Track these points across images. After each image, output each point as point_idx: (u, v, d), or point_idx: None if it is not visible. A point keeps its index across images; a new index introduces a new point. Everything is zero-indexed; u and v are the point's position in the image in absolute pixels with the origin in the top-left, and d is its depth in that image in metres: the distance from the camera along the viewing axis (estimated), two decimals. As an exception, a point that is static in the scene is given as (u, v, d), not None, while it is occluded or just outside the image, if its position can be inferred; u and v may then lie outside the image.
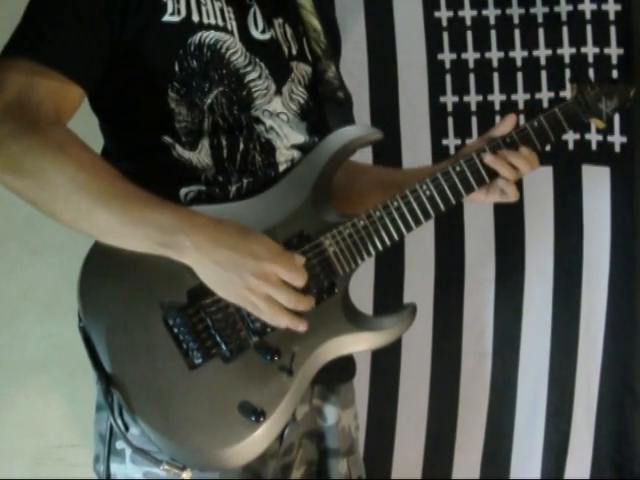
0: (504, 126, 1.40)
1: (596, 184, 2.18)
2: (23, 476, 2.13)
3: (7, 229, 2.08)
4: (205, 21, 1.29)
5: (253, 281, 1.16)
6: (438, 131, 2.21)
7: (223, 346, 1.20)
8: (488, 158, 1.36)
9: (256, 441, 1.20)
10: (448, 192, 1.34)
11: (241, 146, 1.29)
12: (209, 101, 1.27)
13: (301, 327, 1.20)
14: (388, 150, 2.16)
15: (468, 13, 2.18)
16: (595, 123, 1.48)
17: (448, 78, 2.20)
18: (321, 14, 1.50)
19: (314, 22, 1.46)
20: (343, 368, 1.38)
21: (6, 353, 2.12)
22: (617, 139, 2.14)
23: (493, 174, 1.37)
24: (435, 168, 1.38)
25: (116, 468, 1.27)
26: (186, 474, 1.18)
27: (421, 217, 1.32)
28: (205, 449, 1.19)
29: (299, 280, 1.19)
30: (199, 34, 1.27)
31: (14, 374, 2.12)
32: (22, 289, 2.11)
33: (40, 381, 2.14)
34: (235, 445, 1.19)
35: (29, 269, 2.11)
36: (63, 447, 2.15)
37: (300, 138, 1.36)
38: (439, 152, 2.19)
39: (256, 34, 1.35)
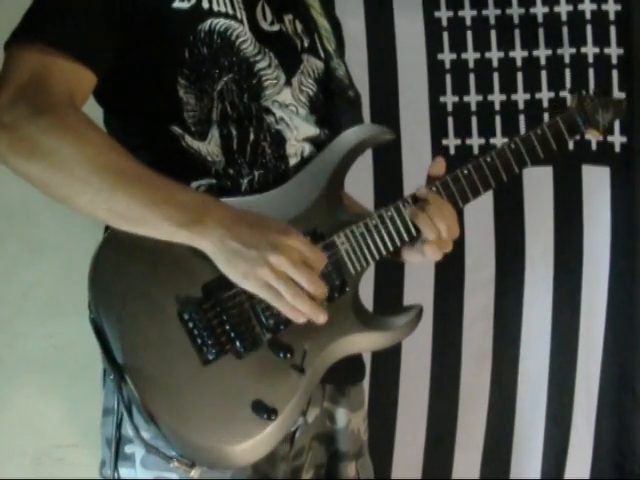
0: (434, 169, 1.36)
1: (596, 184, 2.18)
2: (23, 476, 2.12)
3: (7, 228, 2.07)
4: (215, 8, 1.28)
5: (273, 258, 1.13)
6: (438, 131, 2.22)
7: (237, 342, 1.18)
8: (410, 211, 1.31)
9: (266, 439, 1.19)
10: (455, 193, 1.34)
11: (251, 136, 1.29)
12: (219, 88, 1.27)
13: (322, 317, 1.17)
14: (388, 150, 2.16)
15: (468, 13, 2.19)
16: (592, 134, 1.50)
17: (448, 78, 2.21)
18: (328, 15, 1.50)
19: (324, 22, 1.46)
20: (353, 370, 1.37)
21: (6, 353, 2.11)
22: (617, 139, 2.15)
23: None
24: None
25: (125, 473, 1.24)
26: (195, 472, 1.15)
27: None
28: (215, 445, 1.17)
29: (320, 261, 1.17)
30: (209, 21, 1.27)
31: (14, 374, 2.12)
32: (22, 289, 2.10)
33: (40, 381, 2.14)
34: (245, 442, 1.17)
35: (29, 268, 2.10)
36: (63, 447, 2.15)
37: (310, 130, 1.35)
38: (439, 152, 2.19)
39: (265, 26, 1.34)
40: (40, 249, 2.09)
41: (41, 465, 2.15)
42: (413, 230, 1.31)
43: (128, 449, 1.23)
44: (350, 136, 1.31)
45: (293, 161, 1.32)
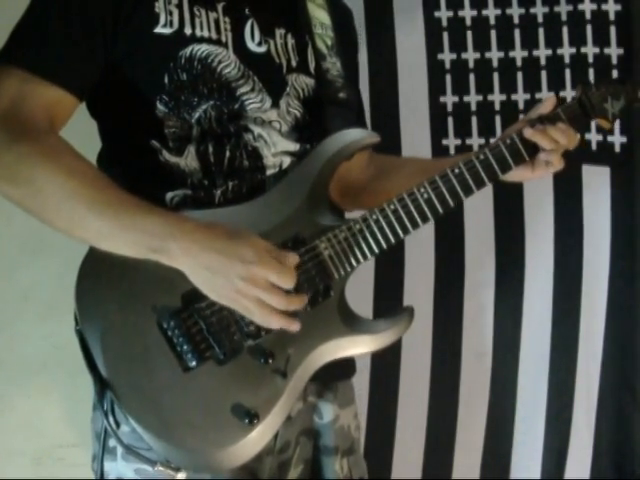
0: (544, 107, 1.39)
1: (596, 184, 2.18)
2: (23, 476, 2.13)
3: (7, 230, 2.08)
4: (198, 34, 1.28)
5: (241, 284, 1.15)
6: (438, 131, 2.22)
7: (217, 349, 1.20)
8: (528, 132, 1.34)
9: (250, 443, 1.20)
10: (446, 194, 1.32)
11: (227, 154, 1.29)
12: (197, 115, 1.27)
13: (293, 327, 1.19)
14: (388, 150, 2.15)
15: (468, 13, 2.19)
16: (601, 123, 1.46)
17: (448, 78, 2.21)
18: (333, 6, 1.48)
19: (322, 16, 1.45)
20: (340, 366, 1.36)
21: (6, 353, 2.12)
22: (617, 139, 2.15)
23: (533, 149, 1.35)
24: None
25: (109, 466, 1.27)
26: (180, 475, 1.18)
27: (418, 220, 1.30)
28: (199, 451, 1.19)
29: (288, 282, 1.17)
30: (190, 47, 1.27)
31: (14, 374, 2.12)
32: (22, 289, 2.11)
33: (40, 381, 2.14)
34: (229, 447, 1.19)
35: (29, 269, 2.11)
36: (63, 447, 2.15)
37: (290, 146, 1.34)
38: (439, 152, 2.19)
39: (252, 46, 1.33)
40: (40, 250, 2.09)
41: (41, 465, 2.16)
42: (418, 222, 1.30)
43: (112, 443, 1.26)
44: (333, 142, 1.30)
45: (271, 172, 1.32)
